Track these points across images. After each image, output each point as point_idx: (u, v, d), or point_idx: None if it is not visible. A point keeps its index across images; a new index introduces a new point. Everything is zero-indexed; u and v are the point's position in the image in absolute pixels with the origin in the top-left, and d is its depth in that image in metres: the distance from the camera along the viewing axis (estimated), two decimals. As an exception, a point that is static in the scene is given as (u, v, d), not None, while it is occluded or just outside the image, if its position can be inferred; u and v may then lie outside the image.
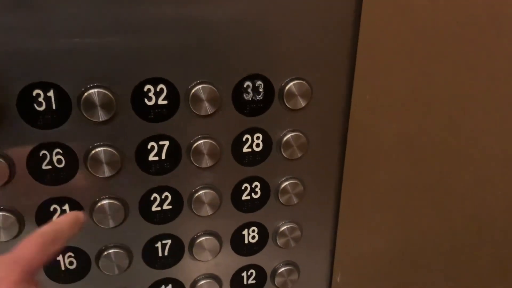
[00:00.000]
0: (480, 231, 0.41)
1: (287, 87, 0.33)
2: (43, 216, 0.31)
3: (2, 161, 0.29)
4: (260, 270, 0.39)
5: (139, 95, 0.30)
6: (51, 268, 0.33)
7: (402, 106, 0.35)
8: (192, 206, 0.35)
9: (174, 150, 0.33)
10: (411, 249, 0.40)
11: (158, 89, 0.31)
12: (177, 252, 0.36)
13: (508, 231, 0.41)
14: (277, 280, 0.40)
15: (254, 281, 0.39)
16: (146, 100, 0.31)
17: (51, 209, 0.31)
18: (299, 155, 0.35)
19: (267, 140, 0.35)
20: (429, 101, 0.35)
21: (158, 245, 0.35)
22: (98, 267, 0.34)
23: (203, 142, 0.33)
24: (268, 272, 0.40)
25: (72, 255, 0.33)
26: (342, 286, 0.40)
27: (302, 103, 0.34)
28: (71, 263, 0.34)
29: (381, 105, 0.35)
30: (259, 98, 0.33)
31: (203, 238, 0.36)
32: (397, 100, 0.35)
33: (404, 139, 0.36)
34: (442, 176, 0.38)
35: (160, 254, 0.35)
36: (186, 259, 0.36)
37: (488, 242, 0.41)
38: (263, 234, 0.38)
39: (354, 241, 0.39)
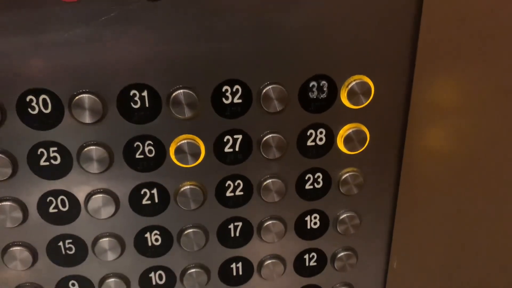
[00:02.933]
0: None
1: (349, 86, 0.36)
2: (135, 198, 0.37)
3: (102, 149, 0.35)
4: (320, 254, 0.43)
5: (218, 94, 0.35)
6: (141, 245, 0.39)
7: (461, 106, 0.37)
8: (261, 193, 0.39)
9: (246, 143, 0.37)
10: (467, 237, 0.42)
11: (234, 89, 0.35)
12: (247, 233, 0.40)
13: None
14: (337, 264, 0.43)
15: (315, 263, 0.43)
16: (223, 99, 0.35)
17: (142, 192, 0.37)
18: (360, 148, 0.38)
19: (329, 135, 0.38)
20: (488, 101, 0.37)
21: (231, 226, 0.40)
22: (179, 244, 0.39)
23: (272, 136, 0.37)
24: (328, 256, 0.43)
25: (158, 232, 0.39)
26: (398, 272, 0.43)
27: (364, 100, 0.37)
28: (156, 240, 0.39)
29: (440, 104, 0.37)
30: (323, 97, 0.37)
31: (270, 222, 0.40)
32: (456, 100, 0.37)
33: (462, 137, 0.38)
34: (501, 166, 0.39)
35: (232, 235, 0.40)
36: (254, 240, 0.41)
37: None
38: (324, 221, 0.41)
39: (411, 229, 0.41)
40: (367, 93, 0.36)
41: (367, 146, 0.39)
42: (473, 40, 0.35)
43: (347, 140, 0.38)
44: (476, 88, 0.37)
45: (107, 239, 0.38)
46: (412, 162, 0.39)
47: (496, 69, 0.36)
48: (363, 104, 0.37)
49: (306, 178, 0.39)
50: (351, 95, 0.36)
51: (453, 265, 0.43)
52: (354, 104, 0.37)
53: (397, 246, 0.42)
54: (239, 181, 0.38)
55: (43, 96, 0.32)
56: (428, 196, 0.40)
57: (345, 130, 0.38)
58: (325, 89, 0.36)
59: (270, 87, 0.35)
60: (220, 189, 0.38)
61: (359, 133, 0.38)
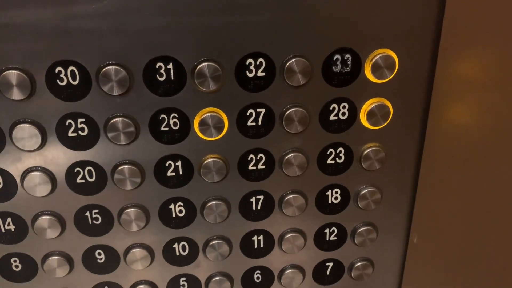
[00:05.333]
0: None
1: (373, 60, 0.36)
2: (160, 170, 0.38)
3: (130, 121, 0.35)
4: (341, 228, 0.43)
5: (242, 67, 0.35)
6: (165, 216, 0.40)
7: (486, 80, 0.36)
8: (283, 167, 0.39)
9: (269, 116, 0.37)
10: (488, 212, 0.41)
11: (258, 63, 0.35)
12: (269, 207, 0.41)
13: None
14: (357, 239, 0.43)
15: (335, 238, 0.43)
16: (247, 72, 0.35)
17: (167, 164, 0.38)
18: (383, 123, 0.38)
19: (352, 109, 0.38)
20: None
21: (253, 199, 0.40)
22: (202, 216, 0.40)
23: (294, 110, 0.37)
24: (349, 231, 0.43)
25: (182, 204, 0.39)
26: (418, 247, 0.43)
27: (388, 74, 0.36)
28: (180, 211, 0.40)
29: (465, 79, 0.36)
30: (347, 70, 0.36)
31: (291, 196, 0.40)
32: (481, 74, 0.36)
33: (486, 112, 0.38)
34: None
35: (254, 208, 0.40)
36: (275, 213, 0.41)
37: None
38: (345, 195, 0.42)
39: (432, 205, 0.41)
40: (391, 67, 0.36)
41: (390, 121, 0.38)
42: (500, 13, 0.35)
43: (370, 114, 0.38)
44: (502, 62, 0.36)
45: (132, 209, 0.39)
46: (435, 137, 0.39)
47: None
48: (387, 78, 0.37)
49: (328, 152, 0.39)
50: (375, 69, 0.36)
51: (474, 241, 0.43)
52: (378, 78, 0.37)
53: (418, 222, 0.42)
54: (261, 154, 0.38)
55: (71, 67, 0.33)
56: (450, 171, 0.40)
57: (368, 105, 0.38)
58: (349, 62, 0.36)
59: (293, 60, 0.35)
60: (243, 162, 0.38)
61: (382, 108, 0.38)
